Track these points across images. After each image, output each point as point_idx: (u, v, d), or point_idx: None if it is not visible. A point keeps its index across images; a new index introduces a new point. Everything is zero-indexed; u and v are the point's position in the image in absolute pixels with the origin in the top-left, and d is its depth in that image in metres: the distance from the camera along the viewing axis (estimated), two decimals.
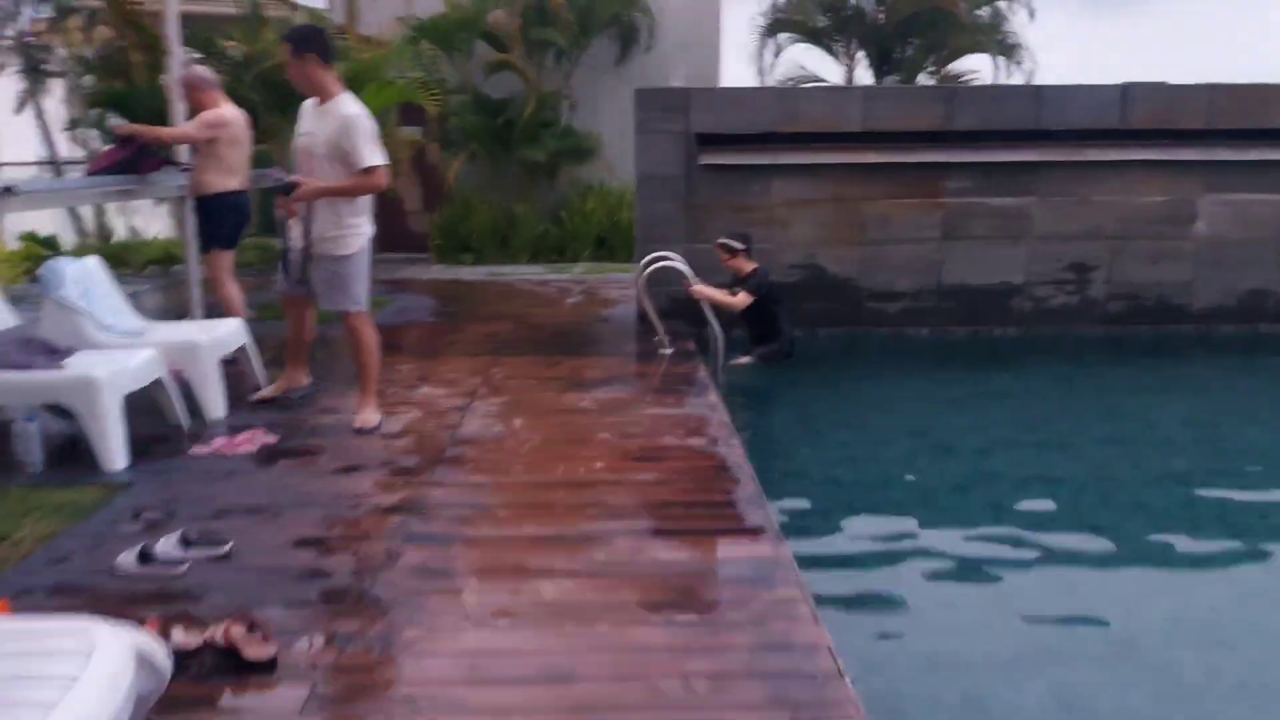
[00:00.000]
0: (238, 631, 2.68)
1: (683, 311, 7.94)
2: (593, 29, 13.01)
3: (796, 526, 4.30)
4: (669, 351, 7.02)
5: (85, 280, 5.23)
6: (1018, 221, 8.33)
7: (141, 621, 2.61)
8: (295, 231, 4.97)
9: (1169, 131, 8.21)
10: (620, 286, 10.24)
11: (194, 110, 6.39)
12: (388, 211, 13.86)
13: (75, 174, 11.16)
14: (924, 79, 15.35)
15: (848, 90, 11.77)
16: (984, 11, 15.02)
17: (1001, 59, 14.96)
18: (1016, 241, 8.36)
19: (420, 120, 12.77)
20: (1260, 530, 4.61)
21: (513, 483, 4.25)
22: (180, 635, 2.67)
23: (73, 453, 4.56)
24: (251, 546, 3.50)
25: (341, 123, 4.73)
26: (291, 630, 2.85)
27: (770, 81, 16.06)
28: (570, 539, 3.57)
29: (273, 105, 8.52)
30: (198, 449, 4.69)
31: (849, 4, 15.32)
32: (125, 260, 12.28)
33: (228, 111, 6.31)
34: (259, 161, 7.91)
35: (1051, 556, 4.23)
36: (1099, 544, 4.38)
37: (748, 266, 7.54)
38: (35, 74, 13.12)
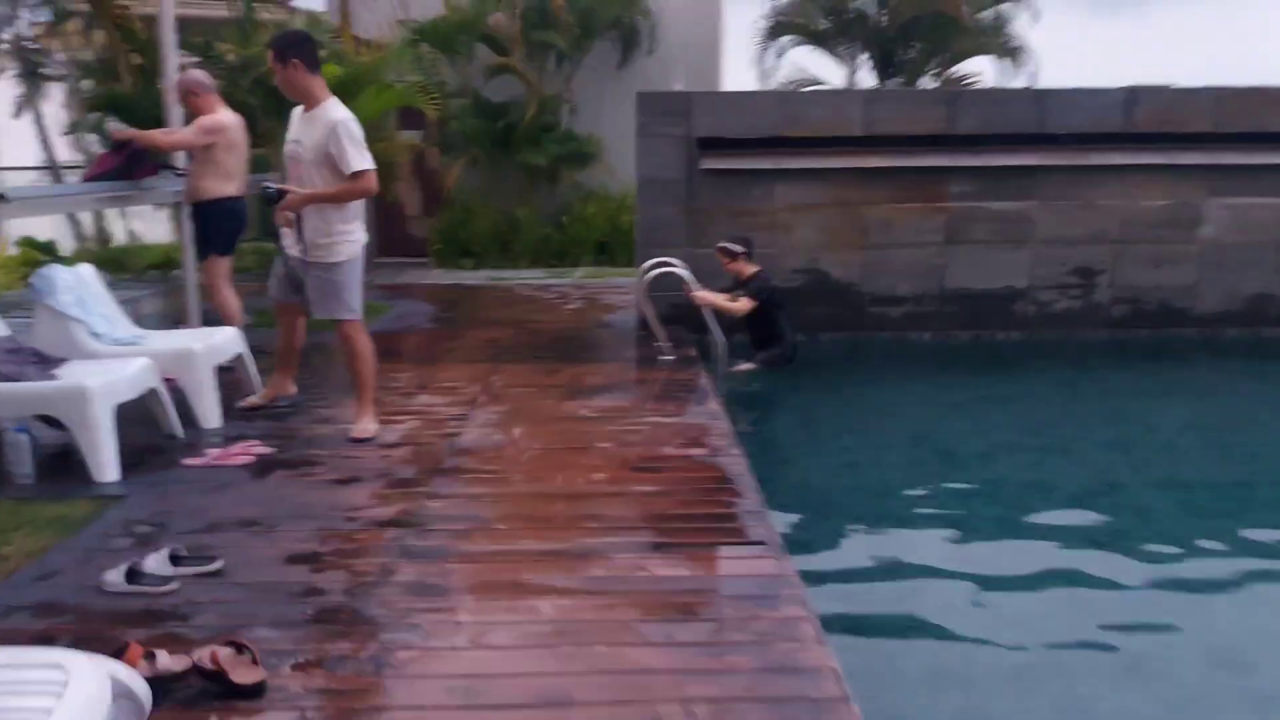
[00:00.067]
0: (225, 654, 2.60)
1: (684, 317, 7.87)
2: (594, 32, 12.95)
3: (798, 538, 4.23)
4: (670, 358, 6.95)
5: (78, 288, 5.16)
6: (1020, 226, 8.26)
7: (124, 646, 2.54)
8: (289, 239, 4.91)
9: (1173, 135, 8.14)
10: (621, 292, 10.17)
11: (190, 115, 6.33)
12: (388, 216, 13.83)
13: (74, 179, 11.10)
14: (926, 82, 15.31)
15: (849, 94, 11.71)
16: (987, 14, 14.96)
17: (1004, 62, 14.90)
18: (1019, 246, 8.29)
19: (420, 124, 12.71)
20: (1269, 538, 4.53)
21: (511, 494, 4.18)
22: (165, 658, 2.59)
23: (65, 464, 4.49)
24: (243, 562, 3.43)
25: (328, 128, 4.67)
26: (281, 652, 2.77)
27: (772, 85, 16.01)
28: (569, 554, 3.50)
29: (270, 109, 8.44)
30: (191, 460, 4.63)
31: (851, 7, 15.27)
32: (124, 265, 12.26)
33: (225, 116, 6.25)
34: (257, 166, 7.86)
35: (1058, 566, 4.15)
36: (1105, 552, 4.30)
37: (749, 270, 7.48)
38: (33, 78, 13.06)
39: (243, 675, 2.58)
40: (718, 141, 8.07)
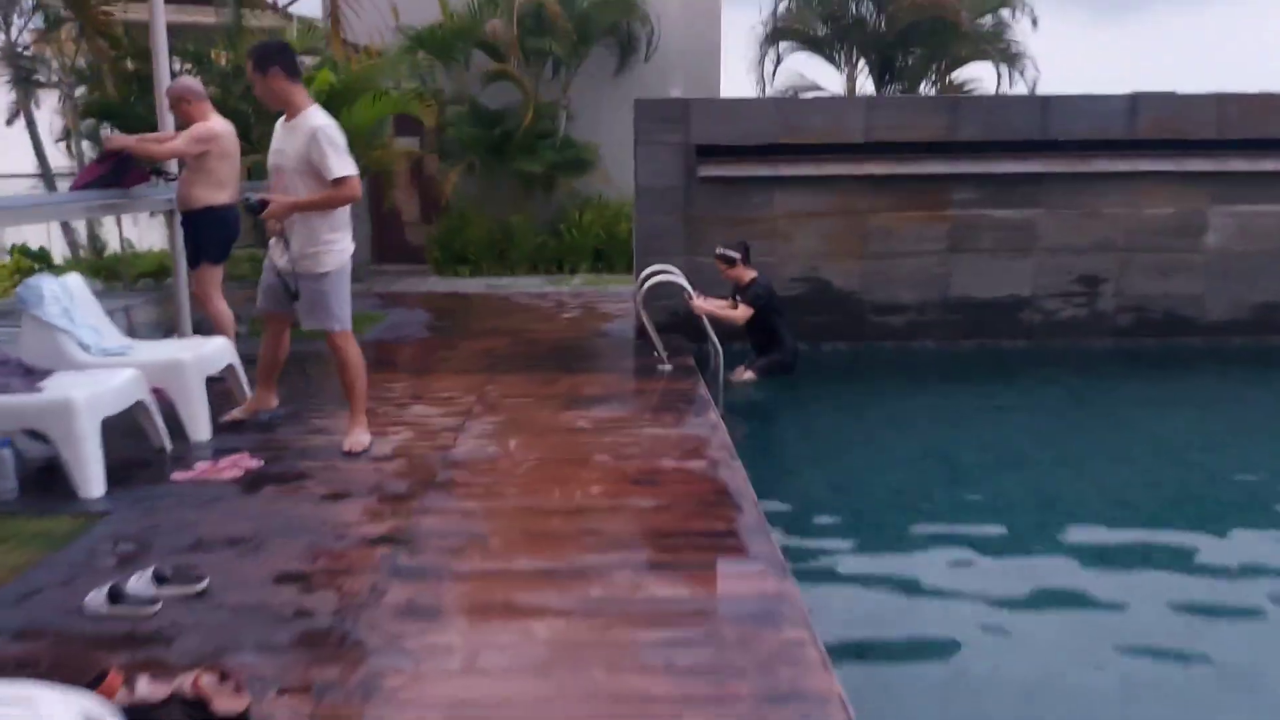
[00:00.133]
0: (208, 681, 2.50)
1: (682, 326, 7.79)
2: (591, 38, 12.88)
3: (799, 554, 4.13)
4: (668, 368, 6.85)
5: (65, 298, 5.06)
6: (1024, 233, 8.17)
7: (104, 673, 2.44)
8: (277, 250, 4.82)
9: (1177, 142, 8.06)
10: (619, 300, 10.08)
11: (182, 123, 6.24)
12: (385, 223, 13.78)
13: (67, 186, 11.00)
14: (926, 88, 15.24)
15: (850, 100, 11.64)
16: (986, 20, 14.90)
17: (1004, 67, 14.84)
18: (1023, 254, 8.20)
19: (418, 131, 12.64)
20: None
21: (506, 509, 4.07)
22: (145, 686, 2.49)
23: (50, 478, 4.38)
24: (229, 582, 3.33)
25: (309, 135, 4.59)
26: (266, 679, 2.67)
27: (771, 91, 15.95)
28: (564, 573, 3.39)
29: (264, 117, 8.34)
30: (179, 474, 4.52)
31: (850, 12, 15.20)
32: (118, 273, 12.17)
33: (217, 124, 6.16)
34: (252, 174, 7.77)
35: (1067, 584, 4.06)
36: (1114, 567, 4.23)
37: (747, 276, 7.39)
38: (26, 85, 12.98)
39: (225, 704, 2.47)
40: (716, 149, 7.99)
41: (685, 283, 7.28)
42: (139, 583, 3.19)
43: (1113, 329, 8.33)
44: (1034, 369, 7.93)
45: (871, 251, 8.19)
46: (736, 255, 7.38)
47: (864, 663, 3.31)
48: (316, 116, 4.67)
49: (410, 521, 3.90)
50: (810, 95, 15.53)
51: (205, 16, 9.71)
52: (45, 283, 4.98)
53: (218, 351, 5.49)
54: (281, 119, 4.80)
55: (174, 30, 8.51)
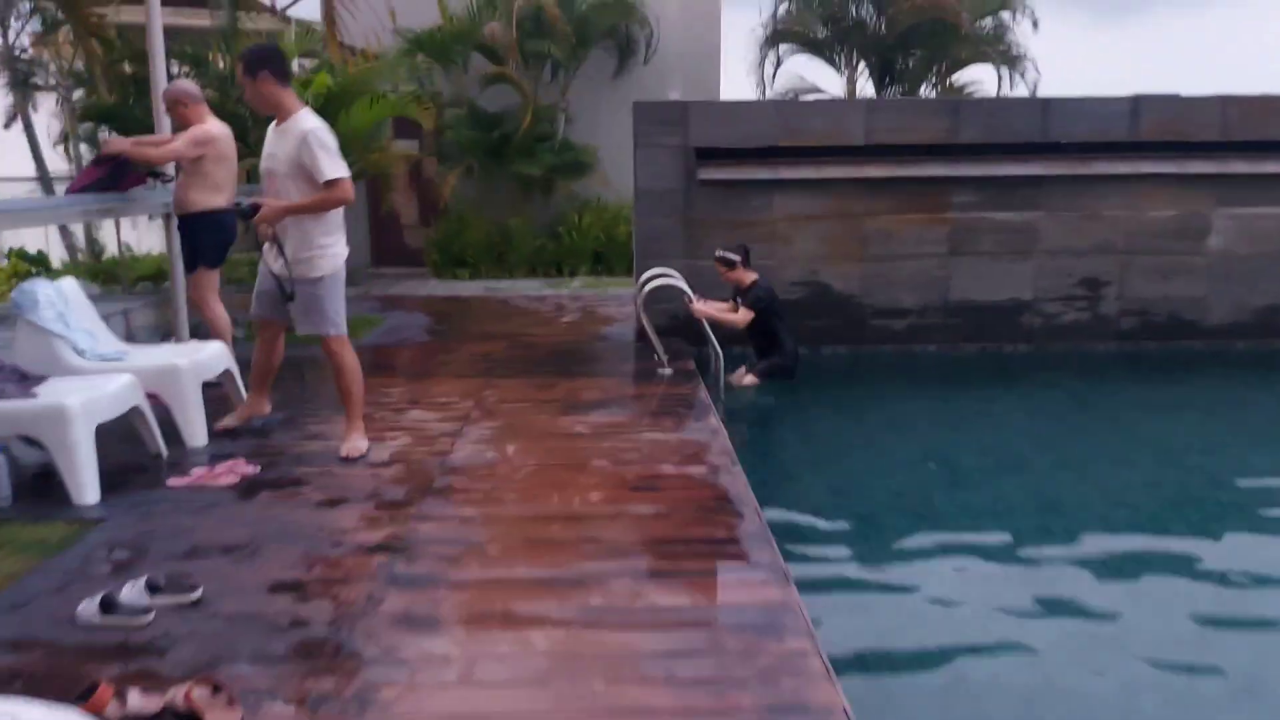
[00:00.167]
0: (200, 694, 2.46)
1: (682, 329, 7.75)
2: (590, 41, 12.84)
3: (801, 561, 4.08)
4: (668, 372, 6.82)
5: (61, 302, 5.02)
6: (1025, 236, 8.14)
7: (94, 686, 2.40)
8: (271, 255, 4.79)
9: (1180, 144, 8.03)
10: (618, 303, 10.05)
11: (179, 126, 6.20)
12: (384, 226, 13.73)
13: (64, 190, 10.96)
14: (926, 90, 15.20)
15: (850, 103, 11.60)
16: (987, 22, 14.86)
17: (1005, 70, 14.80)
18: (1025, 257, 8.16)
19: (416, 134, 12.60)
20: None
21: (504, 516, 4.03)
22: (137, 698, 2.45)
23: (46, 484, 4.34)
24: (224, 591, 3.29)
25: (299, 139, 4.57)
26: (260, 691, 2.63)
27: (771, 93, 15.91)
28: (564, 581, 3.35)
29: (261, 120, 8.31)
30: (175, 480, 4.48)
31: (850, 15, 15.17)
32: (116, 277, 12.12)
33: (214, 127, 6.12)
34: (250, 177, 7.73)
35: (1070, 592, 4.01)
36: (1117, 574, 4.18)
37: (748, 278, 7.35)
38: (23, 88, 12.94)
39: (218, 717, 2.43)
40: (716, 151, 7.96)
41: (685, 286, 7.25)
42: (132, 592, 3.15)
43: (1115, 333, 8.29)
44: (1035, 373, 7.89)
45: (871, 254, 8.15)
46: (736, 258, 7.35)
47: (867, 672, 3.27)
48: (307, 120, 4.65)
49: (407, 528, 3.86)
50: (810, 98, 15.50)
51: (203, 19, 9.66)
52: (40, 287, 4.93)
53: (214, 357, 5.45)
54: (273, 124, 4.77)
55: (171, 33, 8.48)
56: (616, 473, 4.56)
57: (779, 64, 16.16)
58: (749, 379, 7.22)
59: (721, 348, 7.24)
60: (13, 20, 11.88)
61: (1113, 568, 4.27)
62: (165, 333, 7.54)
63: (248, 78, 4.64)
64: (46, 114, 13.91)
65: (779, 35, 15.82)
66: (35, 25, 12.60)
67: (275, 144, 4.70)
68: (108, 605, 3.09)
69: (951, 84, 15.11)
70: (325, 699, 2.60)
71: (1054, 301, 8.26)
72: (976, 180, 8.02)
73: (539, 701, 2.61)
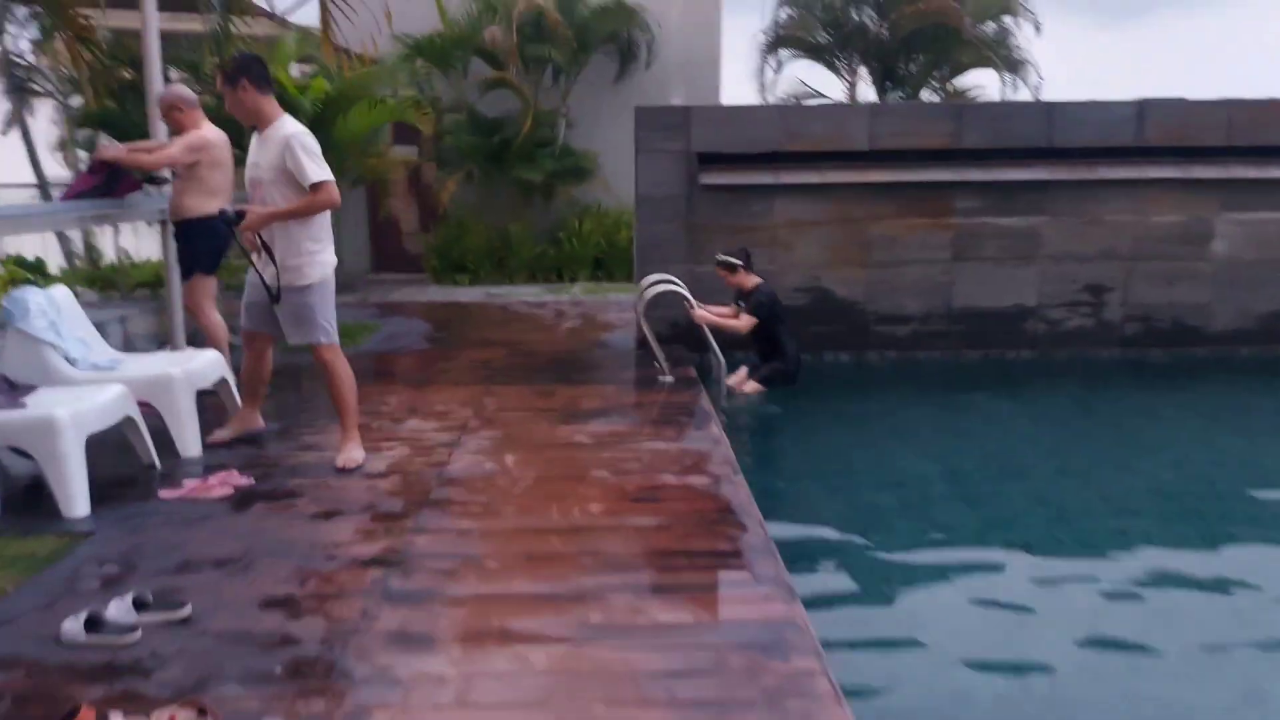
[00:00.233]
0: (185, 718, 2.38)
1: (683, 336, 7.68)
2: (591, 46, 12.79)
3: (805, 574, 4.01)
4: (669, 379, 6.74)
5: (52, 311, 4.94)
6: (1029, 242, 8.06)
7: (76, 709, 2.32)
8: (260, 263, 4.72)
9: (1185, 149, 7.96)
10: (619, 309, 9.98)
11: (174, 131, 6.14)
12: (383, 232, 13.68)
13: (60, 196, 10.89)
14: (928, 95, 15.13)
15: (853, 107, 11.53)
16: (989, 26, 14.79)
17: (1008, 74, 14.74)
18: (1028, 262, 8.09)
19: (415, 140, 12.54)
20: None
21: (502, 529, 3.95)
22: None
23: (36, 496, 4.26)
24: (214, 607, 3.21)
25: (282, 144, 4.53)
26: (249, 712, 2.55)
27: (772, 99, 15.85)
28: (563, 597, 3.27)
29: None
30: (167, 492, 4.40)
31: (851, 20, 15.11)
32: (114, 283, 12.07)
33: (209, 132, 6.05)
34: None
35: (1079, 604, 3.94)
36: (1127, 586, 4.09)
37: (750, 282, 7.26)
38: (21, 94, 12.88)
39: None
40: (718, 156, 7.89)
41: (686, 292, 7.17)
42: (118, 609, 3.07)
43: (1119, 339, 8.22)
44: (1040, 379, 7.82)
45: (874, 260, 8.08)
46: (738, 262, 7.26)
47: (875, 693, 3.18)
48: (288, 125, 4.61)
49: (403, 541, 3.78)
50: (812, 103, 15.44)
51: (200, 24, 9.59)
52: (31, 295, 4.86)
53: (209, 365, 5.37)
54: (255, 133, 4.73)
55: (169, 38, 8.41)
56: (617, 483, 4.48)
57: (780, 69, 16.12)
58: (751, 386, 7.14)
59: (723, 354, 7.16)
60: (9, 26, 11.82)
61: (1121, 578, 4.19)
62: (163, 340, 7.47)
63: (227, 87, 4.61)
64: (44, 120, 13.88)
65: (780, 40, 15.77)
66: (34, 31, 12.54)
67: (258, 152, 4.66)
68: (93, 623, 3.01)
69: (954, 89, 15.04)
70: None
71: (1058, 307, 8.18)
72: (980, 185, 7.95)
73: None
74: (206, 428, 5.15)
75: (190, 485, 4.46)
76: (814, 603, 3.37)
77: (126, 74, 10.16)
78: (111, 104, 10.77)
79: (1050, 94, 15.22)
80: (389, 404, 6.07)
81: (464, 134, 12.61)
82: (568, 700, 2.62)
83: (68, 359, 4.88)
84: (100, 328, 8.83)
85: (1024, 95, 14.70)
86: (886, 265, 8.07)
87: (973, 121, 8.00)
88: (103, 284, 12.03)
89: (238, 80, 4.56)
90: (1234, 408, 7.16)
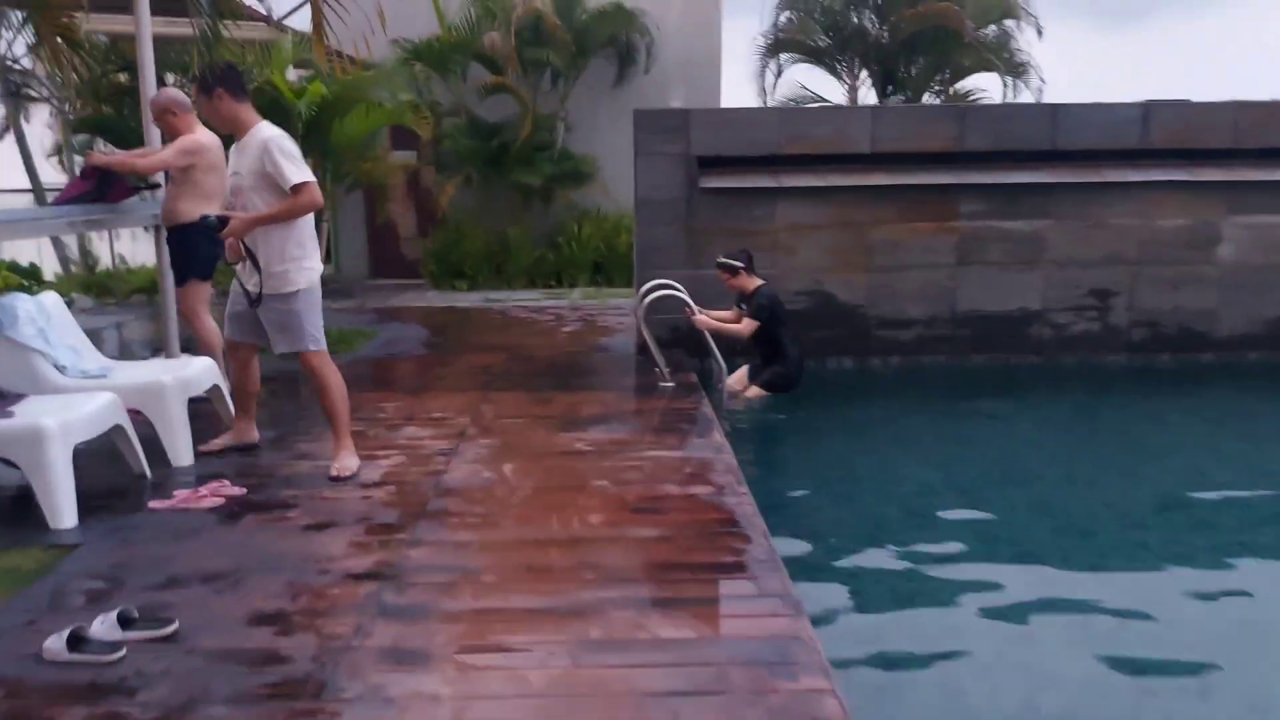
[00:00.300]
0: None
1: (684, 341, 7.59)
2: (590, 50, 12.72)
3: (810, 584, 3.91)
4: (670, 385, 6.65)
5: (41, 318, 4.85)
6: (1034, 245, 7.98)
7: None
8: (245, 272, 4.64)
9: (1190, 151, 7.87)
10: (618, 313, 9.90)
11: (168, 136, 6.05)
12: (381, 237, 13.60)
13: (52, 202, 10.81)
14: (929, 99, 15.05)
15: (855, 110, 11.45)
16: (990, 30, 14.71)
17: (1010, 77, 14.65)
18: (1033, 266, 8.00)
19: (414, 144, 12.47)
20: None
21: (500, 540, 3.85)
22: None
23: (23, 507, 4.16)
24: (202, 623, 3.11)
25: (260, 148, 4.46)
26: None
27: (772, 103, 15.77)
28: (562, 611, 3.17)
29: None
30: (157, 503, 4.30)
31: (851, 23, 15.03)
32: (110, 289, 11.99)
33: (203, 136, 5.96)
34: None
35: (1090, 617, 3.85)
36: (1137, 600, 4.00)
37: (751, 284, 7.16)
38: (16, 99, 12.80)
39: None
40: (718, 160, 7.80)
41: (687, 297, 7.07)
42: (103, 626, 2.97)
43: (1126, 344, 8.13)
44: (1045, 385, 7.73)
45: (877, 264, 7.99)
46: (739, 264, 7.15)
47: (884, 714, 3.08)
48: (265, 129, 4.56)
49: (398, 554, 3.68)
50: (816, 106, 15.36)
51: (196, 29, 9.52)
52: (20, 302, 4.77)
53: (202, 372, 5.28)
54: (235, 141, 4.66)
55: (164, 42, 8.33)
56: (617, 493, 4.38)
57: (780, 73, 16.04)
58: (753, 391, 7.05)
59: (724, 359, 7.06)
60: (4, 31, 11.74)
61: (1128, 590, 4.12)
62: (158, 346, 7.38)
63: (203, 96, 4.56)
64: (40, 126, 13.79)
65: (780, 44, 15.68)
66: (29, 35, 12.46)
67: (238, 160, 4.60)
68: (76, 640, 2.91)
69: (955, 92, 14.95)
70: None
71: (1063, 312, 8.09)
72: (984, 188, 7.86)
73: None
74: (199, 436, 5.06)
75: (181, 496, 4.36)
76: (820, 617, 3.28)
77: (122, 78, 10.12)
78: (108, 109, 10.72)
79: (1051, 98, 15.13)
80: (385, 411, 5.97)
81: (463, 138, 12.54)
82: None
83: (57, 367, 4.80)
84: (96, 334, 8.80)
85: (1026, 99, 14.64)
86: (889, 269, 7.98)
87: (976, 124, 7.91)
88: (98, 290, 11.95)
89: (213, 89, 4.52)
90: (1241, 413, 7.08)
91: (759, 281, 7.18)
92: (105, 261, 13.13)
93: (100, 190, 5.99)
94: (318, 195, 4.54)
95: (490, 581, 3.45)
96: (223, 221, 4.48)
